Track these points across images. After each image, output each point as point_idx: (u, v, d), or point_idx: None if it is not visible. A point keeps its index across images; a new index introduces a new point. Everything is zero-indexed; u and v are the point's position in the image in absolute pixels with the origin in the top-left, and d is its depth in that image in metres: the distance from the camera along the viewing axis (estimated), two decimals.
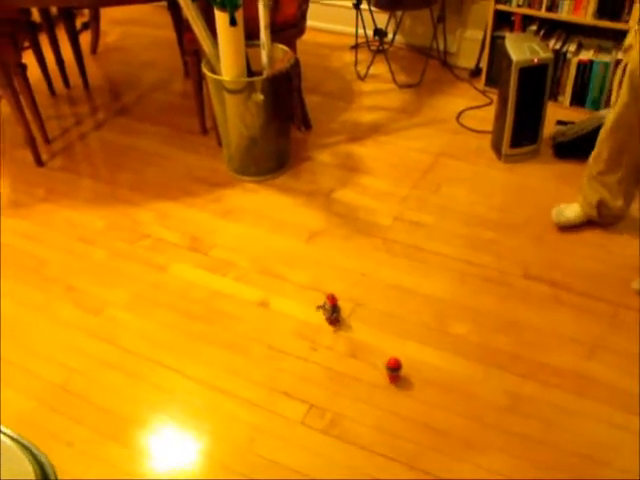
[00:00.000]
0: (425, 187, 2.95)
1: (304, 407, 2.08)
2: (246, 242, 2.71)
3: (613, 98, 2.35)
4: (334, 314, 2.30)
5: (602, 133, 2.45)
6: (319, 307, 2.33)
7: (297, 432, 2.01)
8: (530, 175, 2.99)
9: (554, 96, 3.39)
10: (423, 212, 2.80)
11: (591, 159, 2.54)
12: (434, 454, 1.93)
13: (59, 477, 1.92)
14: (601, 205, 2.56)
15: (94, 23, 4.08)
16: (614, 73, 3.16)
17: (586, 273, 2.49)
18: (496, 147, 3.11)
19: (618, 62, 3.14)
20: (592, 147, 2.53)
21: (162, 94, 3.74)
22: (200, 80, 3.16)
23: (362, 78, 3.77)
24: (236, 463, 1.94)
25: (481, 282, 2.48)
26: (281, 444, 1.98)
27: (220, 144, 3.19)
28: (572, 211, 2.65)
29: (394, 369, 2.10)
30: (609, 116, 2.39)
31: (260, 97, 2.80)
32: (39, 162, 3.20)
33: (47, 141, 3.34)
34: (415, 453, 1.94)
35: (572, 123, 3.13)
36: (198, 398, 2.13)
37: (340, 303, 2.35)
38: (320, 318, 2.34)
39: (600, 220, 2.62)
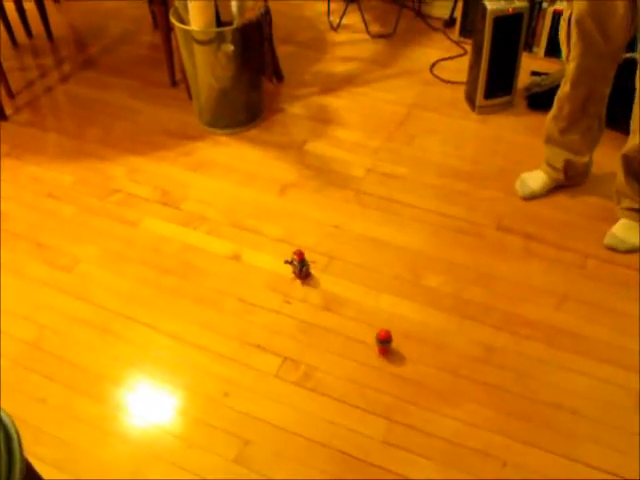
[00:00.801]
0: (398, 139, 2.92)
1: (278, 360, 2.08)
2: (218, 195, 2.68)
3: (564, 53, 2.32)
4: (303, 268, 2.29)
5: (562, 91, 2.41)
6: (287, 261, 2.31)
7: (271, 385, 2.02)
8: (504, 126, 2.98)
9: (529, 47, 3.36)
10: (396, 164, 2.79)
11: (550, 120, 2.51)
12: (409, 406, 1.95)
13: (33, 434, 1.92)
14: (568, 166, 2.55)
15: None
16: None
17: (557, 224, 2.50)
18: (470, 98, 3.09)
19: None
20: None
21: (129, 45, 3.64)
22: (168, 31, 3.08)
23: (335, 28, 3.70)
24: (210, 417, 1.94)
25: (454, 234, 2.48)
26: (255, 397, 1.99)
27: (190, 97, 3.13)
28: (536, 181, 2.61)
29: (384, 341, 2.04)
30: (567, 72, 2.36)
31: (230, 48, 2.74)
32: (3, 116, 3.11)
33: (11, 94, 3.24)
34: (390, 405, 1.96)
35: (546, 74, 3.11)
36: (171, 353, 2.12)
37: (313, 256, 2.34)
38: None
39: (567, 182, 2.60)
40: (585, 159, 2.55)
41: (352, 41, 3.61)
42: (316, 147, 2.90)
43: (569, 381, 2.00)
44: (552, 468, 1.81)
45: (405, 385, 2.00)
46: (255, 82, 2.98)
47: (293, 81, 3.31)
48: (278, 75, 3.30)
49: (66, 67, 3.48)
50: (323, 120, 3.05)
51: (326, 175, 2.75)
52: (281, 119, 3.08)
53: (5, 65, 3.19)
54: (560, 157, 2.53)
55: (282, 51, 3.38)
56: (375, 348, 2.08)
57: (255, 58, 2.91)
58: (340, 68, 3.40)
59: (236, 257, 2.42)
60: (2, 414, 0.89)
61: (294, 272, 2.31)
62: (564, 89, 2.40)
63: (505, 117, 3.03)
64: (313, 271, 2.33)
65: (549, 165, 2.58)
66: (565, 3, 2.26)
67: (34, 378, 2.06)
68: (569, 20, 2.23)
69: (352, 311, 2.21)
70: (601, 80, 2.34)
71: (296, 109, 3.13)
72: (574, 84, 2.35)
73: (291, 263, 2.30)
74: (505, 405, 1.95)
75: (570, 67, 2.33)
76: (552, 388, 1.99)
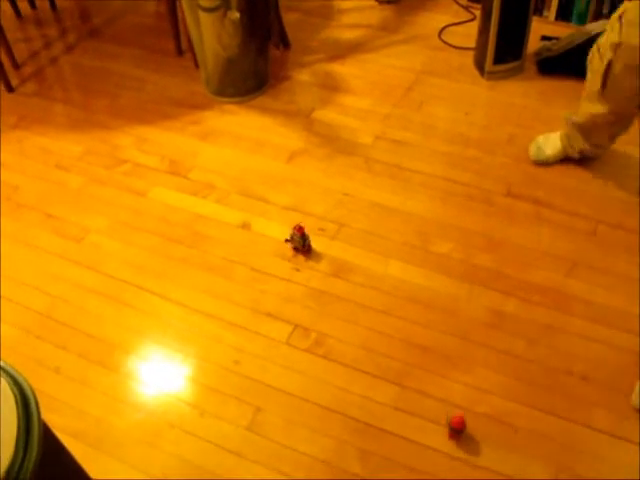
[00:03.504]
0: (407, 105, 2.90)
1: (288, 327, 2.09)
2: (226, 164, 2.67)
3: (596, 85, 2.19)
4: (305, 243, 2.27)
5: (593, 113, 2.31)
6: (287, 240, 2.29)
7: (282, 352, 2.03)
8: (513, 92, 2.95)
9: (539, 10, 3.30)
10: (405, 130, 2.76)
11: (585, 115, 2.38)
12: (420, 371, 1.96)
13: (47, 402, 1.93)
14: (585, 152, 2.50)
15: None
16: None
17: (567, 190, 2.48)
18: (479, 64, 3.05)
19: None
20: (579, 62, 2.40)
21: (134, 15, 3.61)
22: None
23: None
24: (222, 384, 1.96)
25: (464, 200, 2.46)
26: (266, 364, 2.00)
27: (197, 65, 3.10)
28: (552, 147, 2.56)
29: (458, 430, 1.80)
30: (598, 109, 2.27)
31: (236, 15, 2.71)
32: (9, 88, 3.10)
33: (16, 66, 3.22)
34: (401, 371, 1.97)
35: (557, 38, 3.06)
36: (182, 321, 2.13)
37: (322, 223, 2.34)
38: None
39: (580, 159, 2.56)
40: (603, 151, 2.52)
41: (359, 7, 3.56)
42: (324, 114, 2.87)
43: (579, 347, 2.01)
44: (563, 434, 1.82)
45: (416, 351, 2.01)
46: (262, 49, 2.95)
47: (300, 48, 3.28)
48: (285, 42, 3.27)
49: (71, 37, 3.46)
50: (330, 87, 3.03)
51: (334, 142, 2.73)
52: (288, 86, 3.05)
53: (9, 36, 3.16)
54: (580, 143, 2.47)
55: (288, 18, 3.34)
56: (445, 432, 1.84)
57: (261, 25, 2.88)
58: (347, 35, 3.36)
59: (245, 226, 2.41)
60: (18, 377, 0.90)
61: (295, 247, 2.29)
62: (596, 110, 2.30)
63: (515, 82, 3.00)
64: (323, 238, 2.33)
65: (568, 141, 2.52)
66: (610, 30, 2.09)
67: (47, 347, 2.08)
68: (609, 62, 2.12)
69: (361, 278, 2.21)
70: (634, 115, 2.30)
71: (303, 76, 3.11)
72: (604, 124, 2.32)
73: (291, 240, 2.28)
74: (515, 371, 1.95)
75: (602, 108, 2.25)
76: (562, 354, 1.99)
